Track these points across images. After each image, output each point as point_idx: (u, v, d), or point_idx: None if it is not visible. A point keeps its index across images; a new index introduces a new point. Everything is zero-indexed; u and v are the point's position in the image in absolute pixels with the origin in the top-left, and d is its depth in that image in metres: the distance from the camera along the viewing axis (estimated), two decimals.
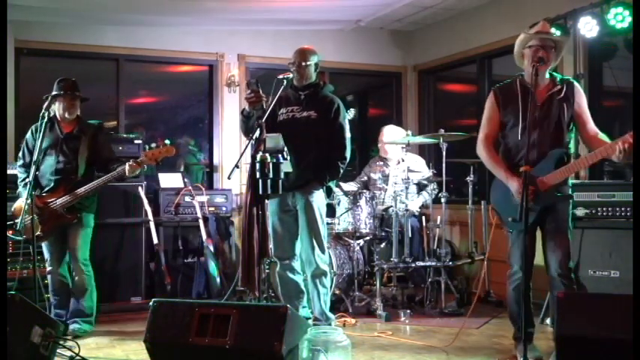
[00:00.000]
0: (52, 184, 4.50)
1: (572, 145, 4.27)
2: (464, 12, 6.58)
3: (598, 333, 2.91)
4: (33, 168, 4.20)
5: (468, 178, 5.55)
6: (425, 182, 5.81)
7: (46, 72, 5.96)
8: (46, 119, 4.29)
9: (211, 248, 5.62)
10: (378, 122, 7.27)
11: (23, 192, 4.36)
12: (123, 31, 6.31)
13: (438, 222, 5.44)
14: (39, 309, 3.53)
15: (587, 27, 4.94)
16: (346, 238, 5.39)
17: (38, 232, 4.29)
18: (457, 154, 5.78)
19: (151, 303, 3.30)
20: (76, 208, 4.50)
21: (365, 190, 5.48)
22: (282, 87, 4.21)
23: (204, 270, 5.57)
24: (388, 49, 7.39)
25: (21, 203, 4.36)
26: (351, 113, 7.85)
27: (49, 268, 4.60)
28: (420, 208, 5.82)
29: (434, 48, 7.11)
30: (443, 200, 5.39)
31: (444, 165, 5.37)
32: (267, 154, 3.71)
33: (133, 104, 6.88)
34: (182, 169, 7.01)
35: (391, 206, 5.38)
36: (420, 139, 5.94)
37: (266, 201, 3.83)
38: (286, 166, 3.82)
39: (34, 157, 4.23)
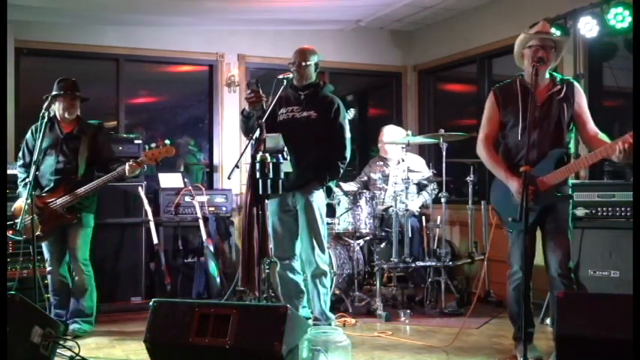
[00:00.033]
0: (52, 184, 4.50)
1: (572, 145, 4.26)
2: (464, 12, 6.58)
3: (598, 333, 2.91)
4: (33, 168, 4.19)
5: (467, 178, 5.55)
6: (425, 182, 5.81)
7: (46, 72, 5.96)
8: (46, 119, 4.28)
9: (211, 248, 5.62)
10: (378, 122, 7.26)
11: (23, 192, 4.36)
12: (123, 31, 6.31)
13: (438, 222, 5.44)
14: (39, 309, 3.53)
15: (587, 27, 4.94)
16: (346, 238, 5.39)
17: (38, 232, 4.29)
18: (457, 154, 5.77)
19: (150, 303, 3.30)
20: (76, 208, 4.50)
21: (365, 190, 5.48)
22: (282, 87, 4.20)
23: (204, 270, 5.57)
24: (388, 49, 7.39)
25: (21, 203, 4.36)
26: (351, 113, 7.85)
27: (49, 268, 4.60)
28: (420, 208, 5.82)
29: (434, 48, 7.11)
30: (443, 200, 5.39)
31: (443, 165, 5.37)
32: (267, 154, 3.70)
33: (132, 104, 6.87)
34: (182, 169, 7.00)
35: (391, 206, 5.38)
36: (420, 139, 5.94)
37: (266, 201, 3.83)
38: (286, 166, 3.82)
39: (34, 157, 4.22)
